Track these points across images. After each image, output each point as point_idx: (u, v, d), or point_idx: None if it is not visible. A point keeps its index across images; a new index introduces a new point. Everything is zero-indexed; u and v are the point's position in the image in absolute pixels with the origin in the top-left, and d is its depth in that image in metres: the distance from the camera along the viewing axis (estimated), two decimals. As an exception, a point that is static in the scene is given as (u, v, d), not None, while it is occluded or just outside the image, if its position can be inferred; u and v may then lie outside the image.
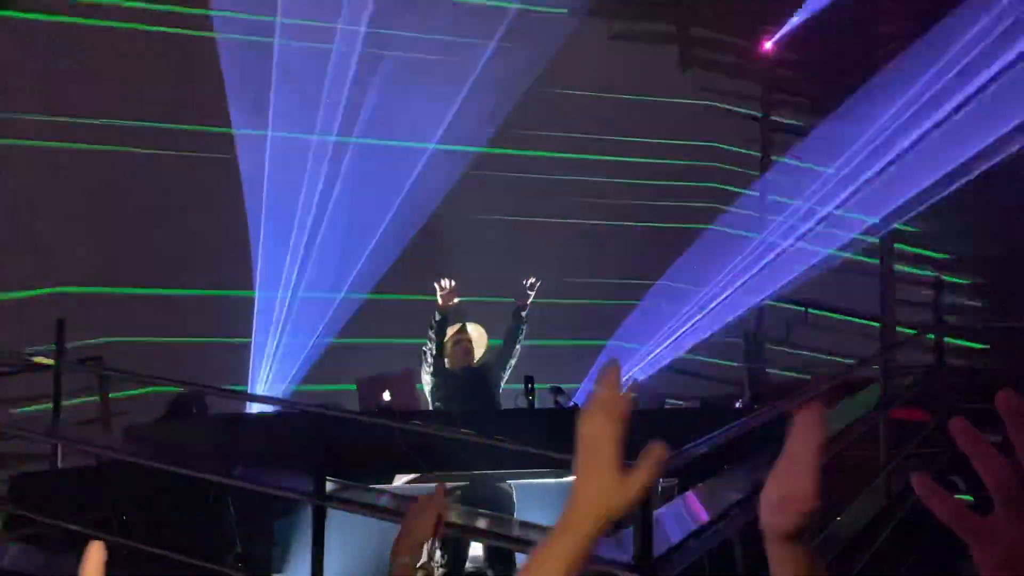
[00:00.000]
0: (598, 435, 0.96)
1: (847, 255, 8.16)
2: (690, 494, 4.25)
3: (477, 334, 5.63)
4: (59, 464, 4.98)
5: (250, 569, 4.61)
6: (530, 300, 5.69)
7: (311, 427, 4.14)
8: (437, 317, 5.46)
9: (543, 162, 8.59)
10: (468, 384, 5.30)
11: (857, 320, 8.03)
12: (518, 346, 5.61)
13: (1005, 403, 0.69)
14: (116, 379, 5.98)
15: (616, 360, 1.01)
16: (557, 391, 5.49)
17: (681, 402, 7.40)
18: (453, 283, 5.60)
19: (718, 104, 8.89)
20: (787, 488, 0.87)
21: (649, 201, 8.60)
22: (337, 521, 5.02)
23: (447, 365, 5.46)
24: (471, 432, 4.15)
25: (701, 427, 4.07)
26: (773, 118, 8.98)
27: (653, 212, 8.56)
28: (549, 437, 4.19)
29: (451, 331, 5.60)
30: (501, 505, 4.86)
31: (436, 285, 5.59)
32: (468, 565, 4.93)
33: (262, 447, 4.44)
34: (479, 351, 5.63)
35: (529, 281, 5.71)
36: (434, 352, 5.42)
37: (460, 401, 5.13)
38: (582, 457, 0.97)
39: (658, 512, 3.67)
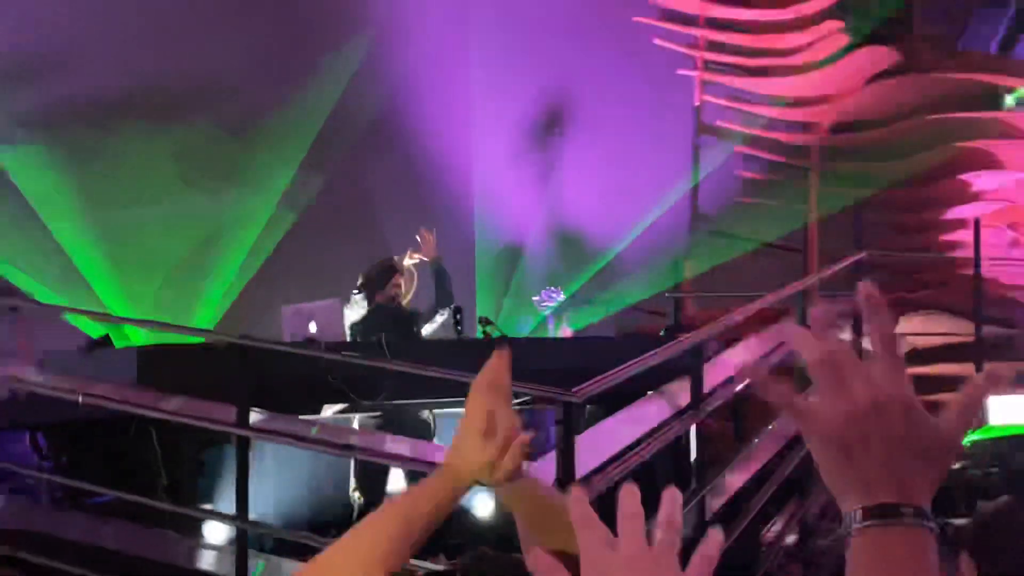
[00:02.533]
0: (477, 407, 1.18)
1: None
2: (611, 419, 4.35)
3: (409, 275, 5.58)
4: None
5: (177, 500, 4.61)
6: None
7: (236, 358, 4.10)
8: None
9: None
10: (392, 319, 5.29)
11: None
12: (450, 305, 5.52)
13: (863, 291, 0.75)
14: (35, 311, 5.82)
15: (506, 346, 1.23)
16: (486, 322, 5.54)
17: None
18: (433, 233, 5.58)
19: None
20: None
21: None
22: (268, 452, 5.05)
23: (378, 300, 5.42)
24: (404, 363, 4.16)
25: (626, 354, 4.17)
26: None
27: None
28: (475, 367, 4.24)
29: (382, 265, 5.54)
30: (420, 433, 4.93)
31: (418, 237, 5.57)
32: (390, 494, 5.00)
33: (186, 378, 4.40)
34: (409, 291, 5.58)
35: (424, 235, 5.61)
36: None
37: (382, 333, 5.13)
38: (461, 423, 1.19)
39: (580, 437, 3.76)
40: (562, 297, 6.70)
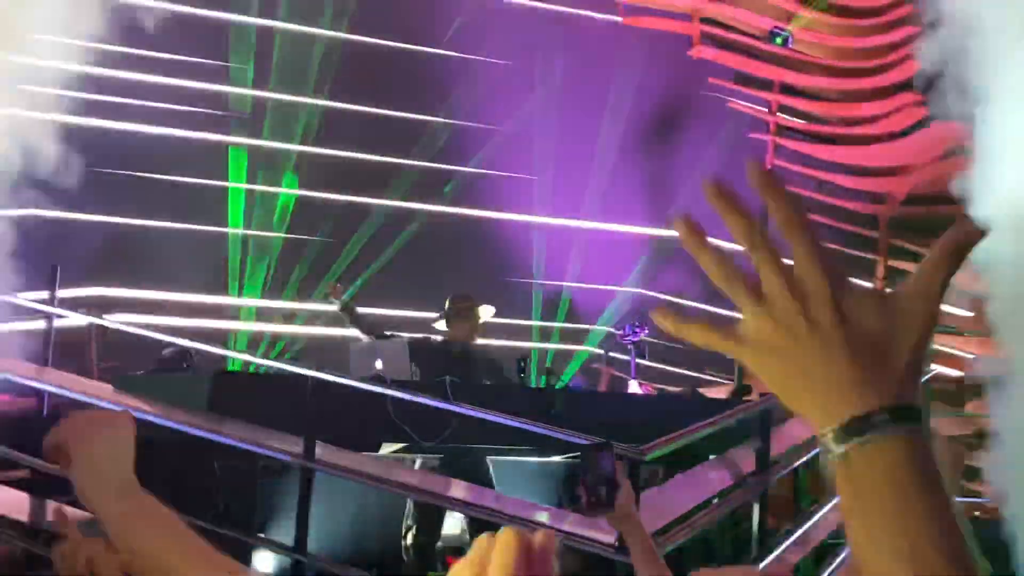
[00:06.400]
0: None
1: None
2: (674, 480, 4.30)
3: (483, 308, 5.52)
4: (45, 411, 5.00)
5: (232, 527, 4.64)
6: None
7: (302, 389, 4.16)
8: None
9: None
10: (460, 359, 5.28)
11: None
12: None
13: (751, 170, 0.64)
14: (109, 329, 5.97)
15: None
16: (549, 372, 5.53)
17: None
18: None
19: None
20: None
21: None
22: (319, 485, 5.06)
23: (450, 335, 5.39)
24: (473, 406, 4.17)
25: (693, 414, 4.13)
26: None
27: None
28: (535, 416, 4.23)
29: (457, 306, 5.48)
30: (480, 478, 4.90)
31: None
32: (446, 539, 4.97)
33: (252, 406, 4.46)
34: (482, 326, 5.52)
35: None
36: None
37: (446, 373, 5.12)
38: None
39: (643, 495, 3.72)
40: (645, 334, 6.61)
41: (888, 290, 0.64)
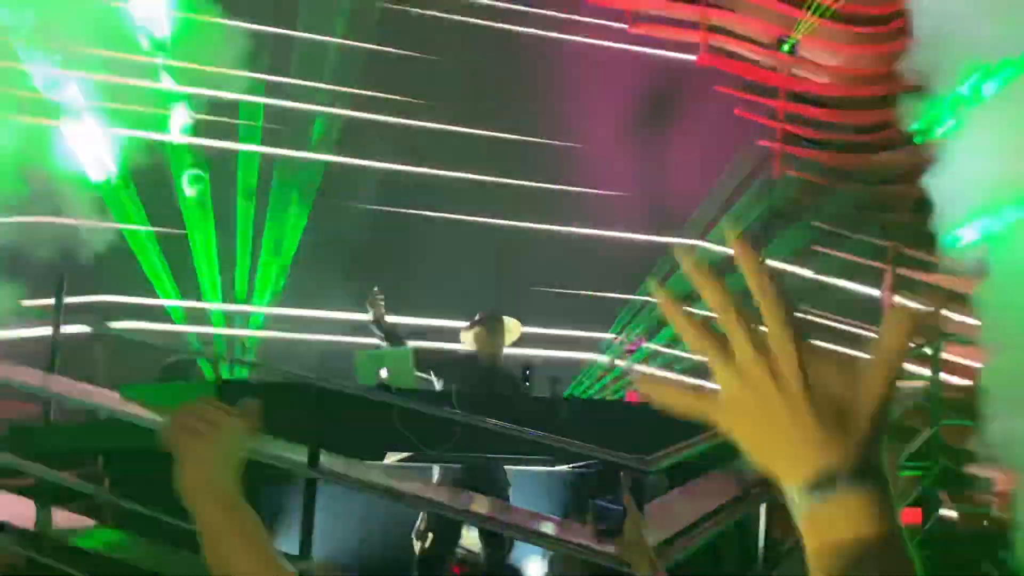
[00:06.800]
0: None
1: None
2: (678, 490, 4.28)
3: (510, 323, 5.47)
4: (51, 417, 5.00)
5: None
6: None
7: (306, 397, 4.15)
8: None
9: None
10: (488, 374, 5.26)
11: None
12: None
13: (732, 242, 0.68)
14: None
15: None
16: (555, 381, 5.51)
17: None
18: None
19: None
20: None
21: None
22: (322, 493, 5.05)
23: (476, 348, 5.36)
24: (481, 418, 4.15)
25: (697, 426, 4.10)
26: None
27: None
28: (542, 426, 4.22)
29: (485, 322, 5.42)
30: (496, 490, 4.87)
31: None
32: (461, 549, 4.96)
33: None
34: (509, 340, 5.44)
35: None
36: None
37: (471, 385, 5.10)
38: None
39: (647, 506, 3.70)
40: (645, 344, 6.59)
41: (850, 356, 0.68)
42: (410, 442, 4.67)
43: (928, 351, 6.13)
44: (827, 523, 0.64)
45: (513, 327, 5.40)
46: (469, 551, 5.10)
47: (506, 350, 5.42)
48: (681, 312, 0.69)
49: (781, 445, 0.66)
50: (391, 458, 4.96)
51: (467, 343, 5.38)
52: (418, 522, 4.82)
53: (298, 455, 4.05)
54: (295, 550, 4.04)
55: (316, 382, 4.16)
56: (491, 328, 5.27)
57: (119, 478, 5.07)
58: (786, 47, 8.28)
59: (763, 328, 0.67)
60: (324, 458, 4.04)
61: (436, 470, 4.96)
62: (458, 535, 4.84)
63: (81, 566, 4.15)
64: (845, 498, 0.63)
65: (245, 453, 1.14)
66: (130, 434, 4.47)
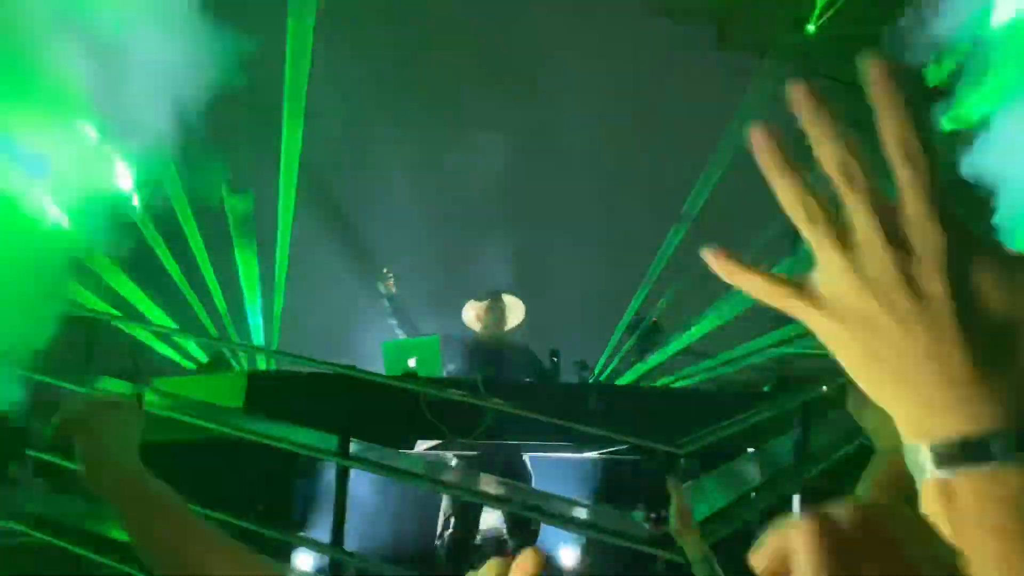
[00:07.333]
0: None
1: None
2: (710, 474, 4.26)
3: (512, 301, 5.49)
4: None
5: (272, 526, 4.66)
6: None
7: (337, 387, 4.17)
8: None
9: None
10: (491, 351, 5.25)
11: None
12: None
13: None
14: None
15: None
16: (583, 366, 5.48)
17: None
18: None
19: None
20: None
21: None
22: (354, 481, 5.07)
23: (479, 330, 5.38)
24: (506, 404, 4.14)
25: (728, 408, 4.08)
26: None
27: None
28: (569, 412, 4.21)
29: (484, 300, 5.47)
30: (520, 475, 4.87)
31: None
32: (484, 533, 4.96)
33: (288, 404, 4.48)
34: (513, 319, 5.52)
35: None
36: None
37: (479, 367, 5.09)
38: None
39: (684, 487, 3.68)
40: None
41: None
42: (439, 430, 4.68)
43: None
44: (972, 502, 0.44)
45: (515, 306, 5.38)
46: (497, 536, 5.10)
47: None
48: (787, 167, 0.47)
49: (909, 377, 0.46)
50: (421, 447, 4.97)
51: (469, 323, 5.37)
52: (443, 507, 4.85)
53: (329, 444, 4.07)
54: (328, 540, 4.07)
55: (346, 372, 4.17)
56: (493, 307, 5.27)
57: (154, 472, 5.11)
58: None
59: (901, 210, 0.46)
60: (354, 446, 4.05)
61: (452, 461, 4.97)
62: (477, 520, 4.85)
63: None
64: (1003, 474, 0.44)
65: (138, 435, 1.17)
66: (164, 428, 4.52)
